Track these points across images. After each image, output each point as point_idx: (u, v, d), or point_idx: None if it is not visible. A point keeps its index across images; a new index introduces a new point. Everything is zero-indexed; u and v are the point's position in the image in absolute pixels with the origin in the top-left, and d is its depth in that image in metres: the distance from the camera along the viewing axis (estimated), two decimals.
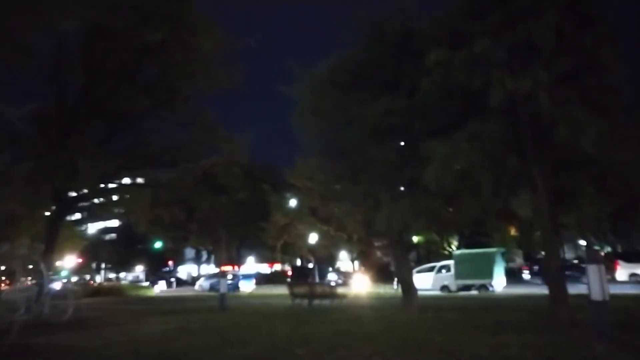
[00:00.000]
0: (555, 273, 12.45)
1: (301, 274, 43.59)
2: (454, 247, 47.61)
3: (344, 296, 18.91)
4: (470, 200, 13.34)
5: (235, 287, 38.33)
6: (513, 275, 36.70)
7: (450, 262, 29.17)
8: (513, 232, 42.47)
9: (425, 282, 28.68)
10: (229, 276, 41.24)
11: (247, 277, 41.89)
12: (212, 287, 38.53)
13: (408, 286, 16.21)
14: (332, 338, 10.33)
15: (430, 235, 42.00)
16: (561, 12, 10.92)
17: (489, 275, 26.08)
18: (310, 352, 8.68)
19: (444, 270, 29.31)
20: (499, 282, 26.96)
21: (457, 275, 27.74)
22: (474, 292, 26.12)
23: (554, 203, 12.64)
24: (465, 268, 27.48)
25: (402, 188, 14.53)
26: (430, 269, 31.15)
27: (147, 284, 51.58)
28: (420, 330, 10.73)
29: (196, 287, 43.40)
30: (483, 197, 12.20)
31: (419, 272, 30.24)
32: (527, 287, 28.98)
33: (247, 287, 39.59)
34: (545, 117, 11.27)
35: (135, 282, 57.66)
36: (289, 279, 39.88)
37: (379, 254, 44.82)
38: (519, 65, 11.14)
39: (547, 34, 10.70)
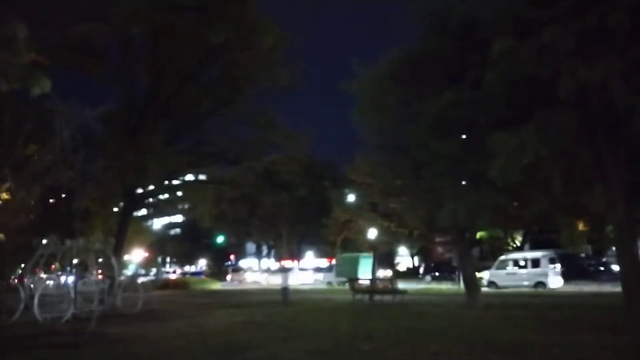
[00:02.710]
0: (630, 271, 11.82)
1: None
2: (518, 243, 46.14)
3: (404, 292, 18.74)
4: (539, 195, 12.90)
5: None
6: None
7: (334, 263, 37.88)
8: (582, 227, 40.59)
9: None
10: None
11: (196, 274, 47.01)
12: None
13: (472, 283, 15.87)
14: (395, 334, 10.27)
15: (495, 231, 40.80)
16: None
17: (355, 274, 33.11)
18: (374, 348, 8.66)
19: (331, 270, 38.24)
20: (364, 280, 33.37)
21: (336, 274, 35.39)
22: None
23: (629, 197, 11.99)
24: (340, 268, 35.53)
25: (465, 183, 14.21)
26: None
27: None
28: (487, 328, 10.49)
29: None
30: (552, 191, 11.74)
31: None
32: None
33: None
34: (620, 107, 10.67)
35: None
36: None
37: (440, 250, 44.07)
38: (590, 53, 10.59)
39: (621, 19, 10.13)
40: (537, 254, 29.01)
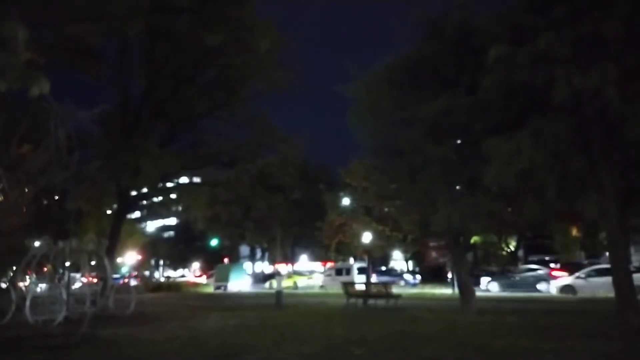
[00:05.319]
0: (623, 277, 11.87)
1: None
2: (512, 248, 46.25)
3: (398, 296, 18.73)
4: (533, 200, 12.90)
5: None
6: None
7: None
8: (575, 232, 40.75)
9: None
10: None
11: (115, 279, 50.36)
12: None
13: (466, 288, 15.87)
14: (389, 338, 10.28)
15: (489, 236, 40.93)
16: (630, 2, 10.39)
17: (227, 280, 40.83)
18: (367, 352, 8.66)
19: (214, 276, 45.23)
20: (235, 285, 40.57)
21: (215, 279, 42.99)
22: (222, 289, 39.94)
23: (622, 204, 12.04)
24: (218, 274, 43.09)
25: (460, 188, 14.23)
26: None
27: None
28: (480, 333, 10.49)
29: None
30: (547, 197, 11.77)
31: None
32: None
33: None
34: (614, 114, 10.74)
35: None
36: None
37: (434, 254, 44.09)
38: (585, 61, 10.64)
39: (615, 27, 10.20)
40: (349, 264, 39.89)
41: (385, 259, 49.35)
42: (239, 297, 30.23)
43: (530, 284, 29.01)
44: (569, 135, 11.28)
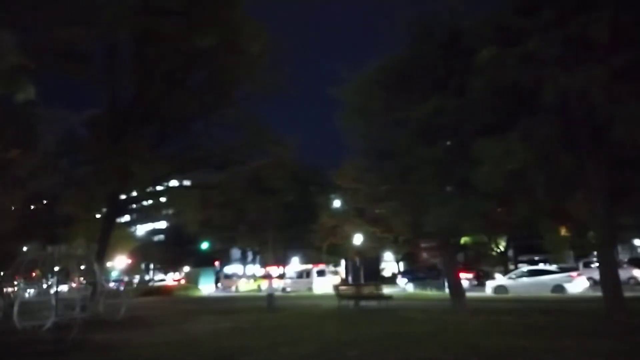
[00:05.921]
0: (611, 276, 12.00)
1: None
2: (502, 248, 46.43)
3: (390, 297, 18.75)
4: (523, 200, 13.03)
5: None
6: None
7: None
8: (564, 232, 40.98)
9: None
10: None
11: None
12: None
13: (457, 288, 15.96)
14: (381, 340, 10.30)
15: (479, 236, 41.06)
16: (615, 6, 10.53)
17: (197, 282, 45.91)
18: (360, 354, 8.67)
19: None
20: (205, 288, 44.95)
21: (186, 283, 49.08)
22: None
23: (610, 203, 12.18)
24: (190, 277, 49.96)
25: (450, 189, 14.32)
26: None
27: None
28: (474, 334, 10.53)
29: None
30: (536, 197, 11.88)
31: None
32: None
33: None
34: (601, 114, 10.86)
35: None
36: None
37: (425, 255, 44.19)
38: (572, 62, 10.79)
39: (601, 29, 10.34)
40: (308, 267, 41.27)
41: (377, 260, 49.31)
42: (231, 300, 30.14)
43: (441, 285, 30.04)
44: (558, 135, 11.41)
